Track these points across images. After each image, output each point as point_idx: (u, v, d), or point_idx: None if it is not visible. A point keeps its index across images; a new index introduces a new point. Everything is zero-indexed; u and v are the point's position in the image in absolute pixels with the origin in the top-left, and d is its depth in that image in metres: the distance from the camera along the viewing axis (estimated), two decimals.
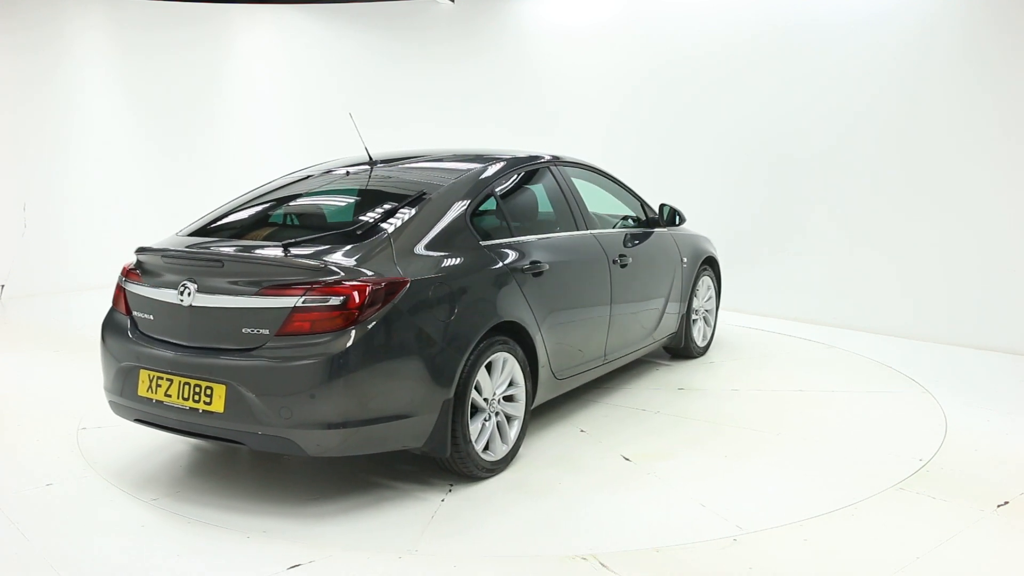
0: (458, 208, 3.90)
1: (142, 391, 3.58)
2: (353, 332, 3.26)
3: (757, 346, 6.36)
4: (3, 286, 8.76)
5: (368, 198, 4.19)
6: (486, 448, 3.79)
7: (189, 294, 3.48)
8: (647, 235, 5.30)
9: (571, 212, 4.70)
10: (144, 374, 3.58)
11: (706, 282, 5.96)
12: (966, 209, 6.41)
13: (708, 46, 7.90)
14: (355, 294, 3.27)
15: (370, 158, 4.56)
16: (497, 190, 4.25)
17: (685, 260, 5.60)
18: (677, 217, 5.58)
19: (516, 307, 3.93)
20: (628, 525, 3.36)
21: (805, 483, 3.78)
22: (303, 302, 3.27)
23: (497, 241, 4.05)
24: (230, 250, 3.62)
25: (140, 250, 3.79)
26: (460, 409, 3.58)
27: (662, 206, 5.54)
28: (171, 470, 3.99)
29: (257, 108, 10.39)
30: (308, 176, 4.53)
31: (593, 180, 5.24)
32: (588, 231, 4.73)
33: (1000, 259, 6.26)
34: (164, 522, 3.41)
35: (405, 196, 3.90)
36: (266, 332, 3.32)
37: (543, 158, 4.77)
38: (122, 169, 9.72)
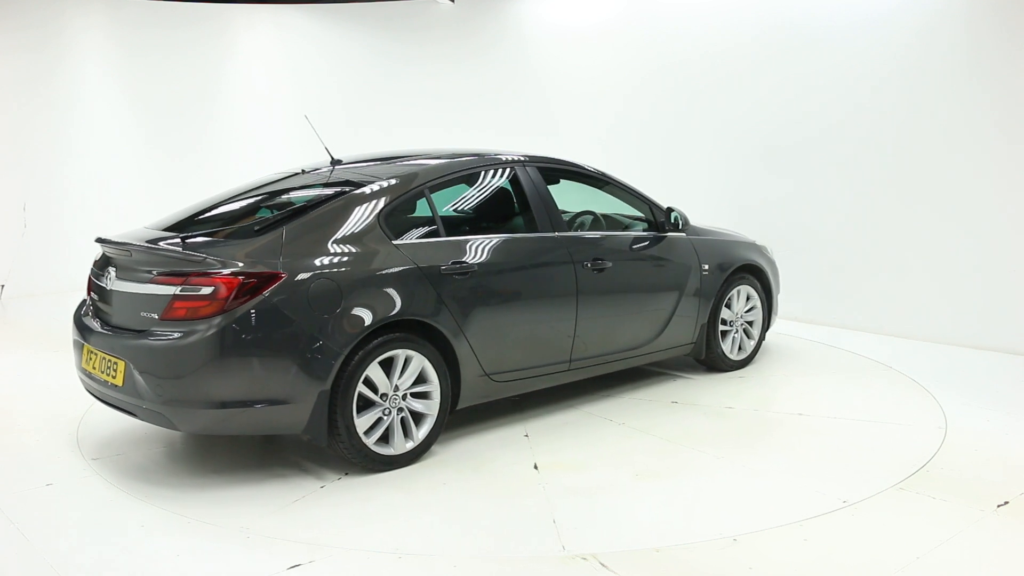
0: (367, 208, 4.01)
1: (83, 364, 4.04)
2: (220, 320, 3.51)
3: (783, 356, 6.04)
4: (3, 286, 8.77)
5: (294, 197, 4.28)
6: (383, 442, 3.89)
7: (111, 279, 3.90)
8: (647, 239, 5.12)
9: (534, 213, 4.62)
10: (85, 348, 4.00)
11: (744, 291, 5.61)
12: (966, 209, 6.41)
13: (709, 46, 7.89)
14: (224, 285, 3.52)
15: (332, 159, 4.68)
16: (430, 190, 4.29)
17: (707, 267, 5.31)
18: (680, 221, 5.28)
19: (425, 306, 3.97)
20: (453, 530, 3.33)
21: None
22: (181, 290, 3.57)
23: (415, 241, 4.10)
24: (142, 241, 3.89)
25: (96, 239, 4.11)
26: (344, 401, 3.70)
27: (668, 209, 5.29)
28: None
29: (257, 108, 10.39)
30: (273, 178, 4.68)
31: (588, 183, 5.13)
32: (554, 233, 4.62)
33: (1000, 259, 6.26)
34: (164, 522, 3.41)
35: (324, 196, 4.09)
36: (154, 316, 3.65)
37: (509, 159, 4.73)
38: (122, 169, 9.73)
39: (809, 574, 2.97)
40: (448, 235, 4.24)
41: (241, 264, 3.59)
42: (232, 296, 3.51)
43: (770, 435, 4.45)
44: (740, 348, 5.68)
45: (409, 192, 4.20)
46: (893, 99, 6.74)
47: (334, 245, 3.83)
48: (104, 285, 3.95)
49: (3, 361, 6.27)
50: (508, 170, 4.71)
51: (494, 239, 4.42)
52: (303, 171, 4.65)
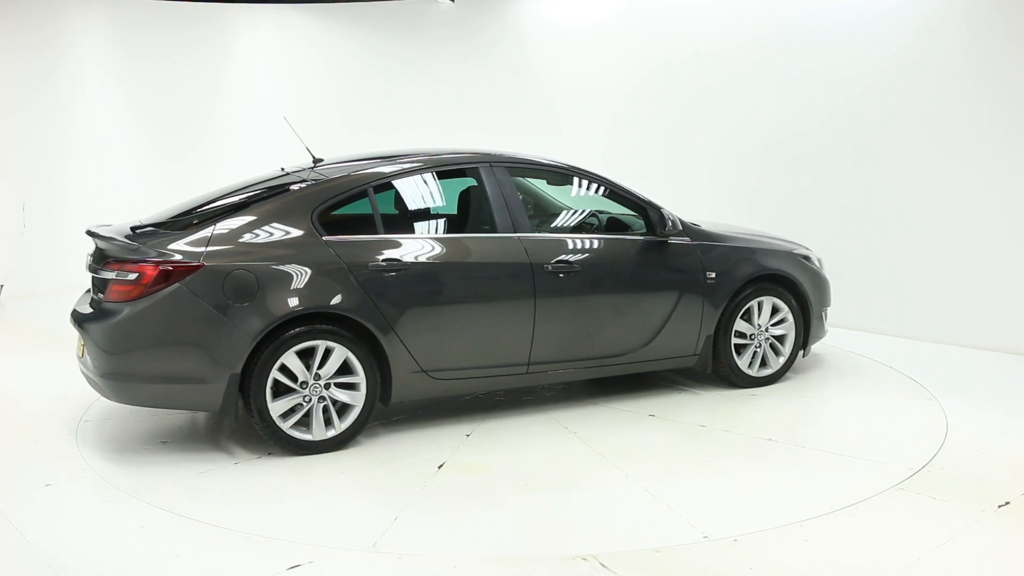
0: (303, 205, 4.23)
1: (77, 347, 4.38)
2: (140, 303, 3.90)
3: (809, 369, 5.66)
4: (2, 286, 8.76)
5: (249, 195, 4.41)
6: (304, 427, 4.11)
7: (88, 265, 4.28)
8: (634, 242, 4.88)
9: (494, 214, 4.58)
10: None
11: (769, 303, 5.17)
12: (967, 209, 6.40)
13: (710, 45, 7.89)
14: (146, 271, 3.90)
15: (313, 159, 4.79)
16: (375, 190, 4.42)
17: (712, 274, 4.97)
18: (670, 224, 4.88)
19: (346, 300, 4.11)
20: (302, 515, 3.49)
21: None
22: (116, 275, 3.98)
23: (348, 238, 4.24)
24: (117, 233, 4.19)
25: (86, 232, 4.38)
26: (257, 385, 3.98)
27: (659, 212, 4.94)
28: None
29: (256, 108, 10.38)
30: (256, 178, 4.76)
31: (576, 184, 5.04)
32: (512, 234, 4.55)
33: (1000, 259, 6.26)
34: (164, 522, 3.41)
35: (267, 194, 4.34)
36: (101, 297, 4.10)
37: (472, 159, 4.72)
38: (121, 169, 9.73)
39: (809, 574, 2.97)
40: (387, 233, 4.35)
41: (164, 254, 3.94)
42: (152, 282, 3.88)
43: (713, 456, 4.14)
44: (764, 364, 5.24)
45: (350, 192, 4.36)
46: (893, 99, 6.73)
47: (260, 239, 4.10)
48: (87, 271, 4.35)
49: (3, 361, 6.27)
50: (469, 170, 4.71)
51: (435, 238, 4.48)
52: (283, 170, 4.78)
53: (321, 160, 4.76)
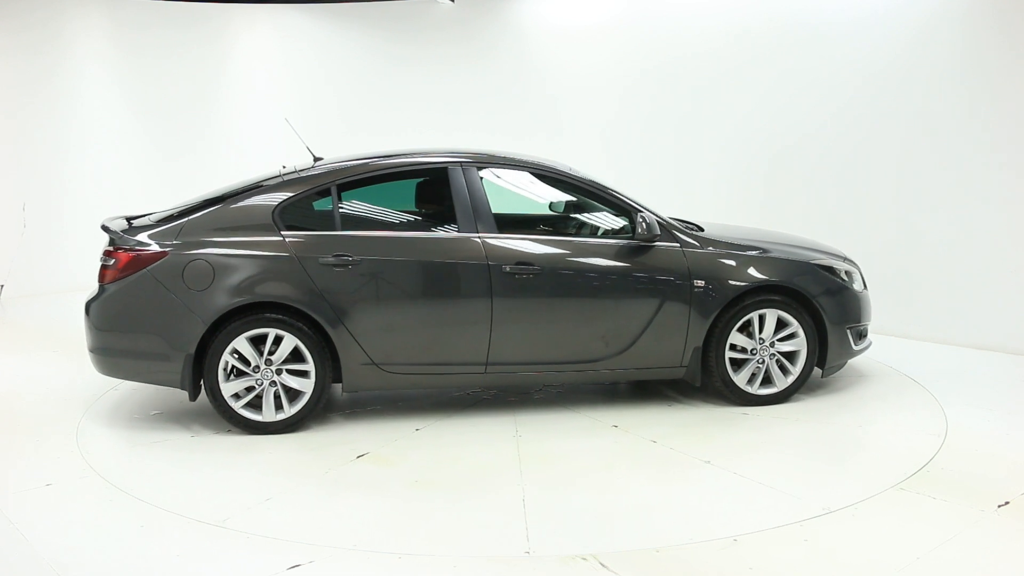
0: (268, 202, 4.53)
1: None
2: (117, 285, 4.37)
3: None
4: (3, 286, 8.76)
5: (231, 191, 4.67)
6: (252, 408, 4.43)
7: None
8: (610, 246, 4.70)
9: (457, 214, 4.60)
10: None
11: (772, 316, 4.79)
12: (966, 209, 6.41)
13: (709, 45, 7.89)
14: (119, 258, 4.38)
15: (314, 158, 5.04)
16: (339, 188, 4.63)
17: (700, 282, 4.70)
18: (645, 227, 4.65)
19: (294, 292, 4.39)
20: (196, 490, 3.76)
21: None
22: (105, 261, 4.45)
23: (305, 234, 4.49)
24: (112, 224, 4.58)
25: (101, 226, 4.67)
26: (210, 366, 4.36)
27: (639, 214, 4.72)
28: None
29: (256, 108, 10.38)
30: (262, 175, 4.88)
31: (553, 184, 4.96)
32: (475, 235, 4.56)
33: (1000, 259, 6.26)
34: (164, 522, 3.42)
35: (242, 190, 4.61)
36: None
37: (441, 160, 4.76)
38: (121, 169, 9.73)
39: (809, 574, 2.97)
40: (343, 230, 4.54)
41: (140, 243, 4.37)
42: (124, 267, 4.35)
43: (625, 472, 3.95)
44: (768, 381, 4.88)
45: (313, 190, 4.60)
46: (892, 100, 6.73)
47: (223, 233, 4.43)
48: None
49: (3, 361, 6.27)
50: (436, 171, 4.76)
51: (389, 236, 4.59)
52: (283, 167, 4.92)
53: (321, 159, 4.86)
